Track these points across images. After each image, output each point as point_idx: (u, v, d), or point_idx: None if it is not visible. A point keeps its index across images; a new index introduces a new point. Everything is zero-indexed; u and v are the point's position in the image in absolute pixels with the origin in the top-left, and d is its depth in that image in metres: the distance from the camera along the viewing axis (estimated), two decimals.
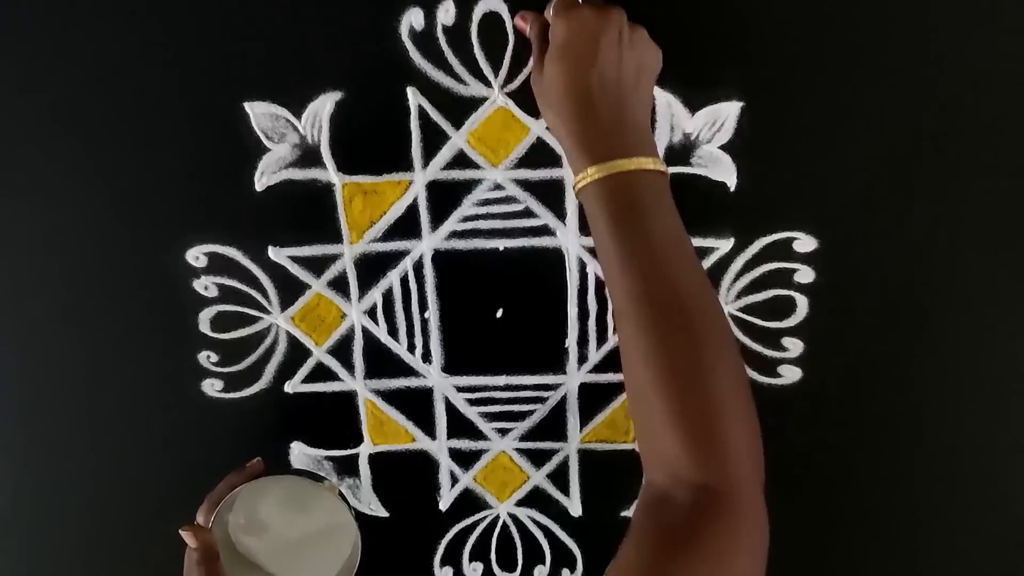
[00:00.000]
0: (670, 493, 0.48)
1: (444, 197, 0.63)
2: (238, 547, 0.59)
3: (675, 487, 0.48)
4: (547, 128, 0.60)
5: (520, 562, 0.72)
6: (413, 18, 0.59)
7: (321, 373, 0.68)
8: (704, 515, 0.46)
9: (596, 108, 0.51)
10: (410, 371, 0.68)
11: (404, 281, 0.66)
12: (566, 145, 0.53)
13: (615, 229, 0.50)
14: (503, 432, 0.69)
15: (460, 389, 0.68)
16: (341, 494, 0.60)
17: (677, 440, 0.47)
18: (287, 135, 0.62)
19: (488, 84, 0.61)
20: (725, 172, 0.61)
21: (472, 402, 0.69)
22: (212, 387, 0.69)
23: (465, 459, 0.70)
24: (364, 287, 0.66)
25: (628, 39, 0.53)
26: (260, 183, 0.63)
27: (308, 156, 0.63)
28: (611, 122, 0.51)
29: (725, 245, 0.63)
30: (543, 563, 0.72)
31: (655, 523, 0.48)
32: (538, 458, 0.70)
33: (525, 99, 0.60)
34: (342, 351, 0.68)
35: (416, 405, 0.69)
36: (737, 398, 0.48)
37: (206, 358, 0.68)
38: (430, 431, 0.69)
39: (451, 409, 0.69)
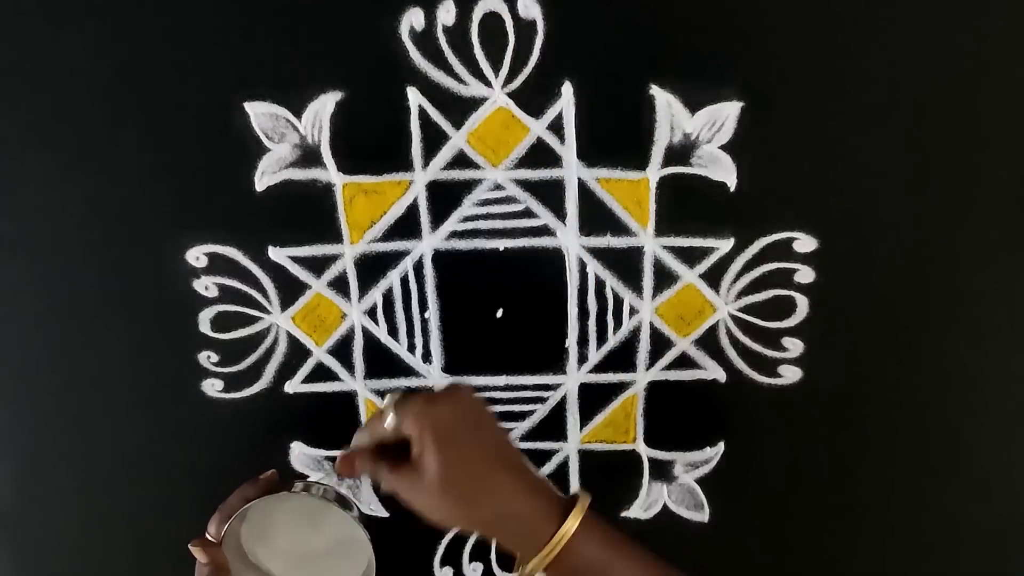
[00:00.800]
0: None
1: (444, 197, 0.64)
2: (250, 558, 0.59)
3: None
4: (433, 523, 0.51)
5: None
6: (413, 18, 0.59)
7: (321, 373, 0.68)
8: None
9: (510, 485, 0.48)
10: (410, 371, 0.68)
11: (404, 281, 0.66)
12: (492, 537, 0.50)
13: None
14: None
15: None
16: (359, 512, 0.59)
17: None
18: (287, 135, 0.62)
19: (488, 84, 0.61)
20: (725, 172, 0.61)
21: None
22: (212, 387, 0.69)
23: None
24: (364, 287, 0.66)
25: (479, 406, 0.51)
26: (260, 183, 0.63)
27: (308, 156, 0.63)
28: (527, 495, 0.48)
29: (725, 245, 0.63)
30: None
31: None
32: (538, 458, 0.70)
33: (525, 99, 0.61)
34: (342, 351, 0.68)
35: None
36: None
37: (206, 358, 0.68)
38: None
39: None
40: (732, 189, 0.62)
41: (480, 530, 0.50)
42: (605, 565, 0.49)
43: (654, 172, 0.62)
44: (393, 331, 0.67)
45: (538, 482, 0.50)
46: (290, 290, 0.66)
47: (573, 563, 0.48)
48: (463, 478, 0.48)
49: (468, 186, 0.63)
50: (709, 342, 0.66)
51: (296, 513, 0.59)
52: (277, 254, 0.65)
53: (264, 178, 0.63)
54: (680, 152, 0.61)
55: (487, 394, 0.68)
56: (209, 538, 0.56)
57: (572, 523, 0.48)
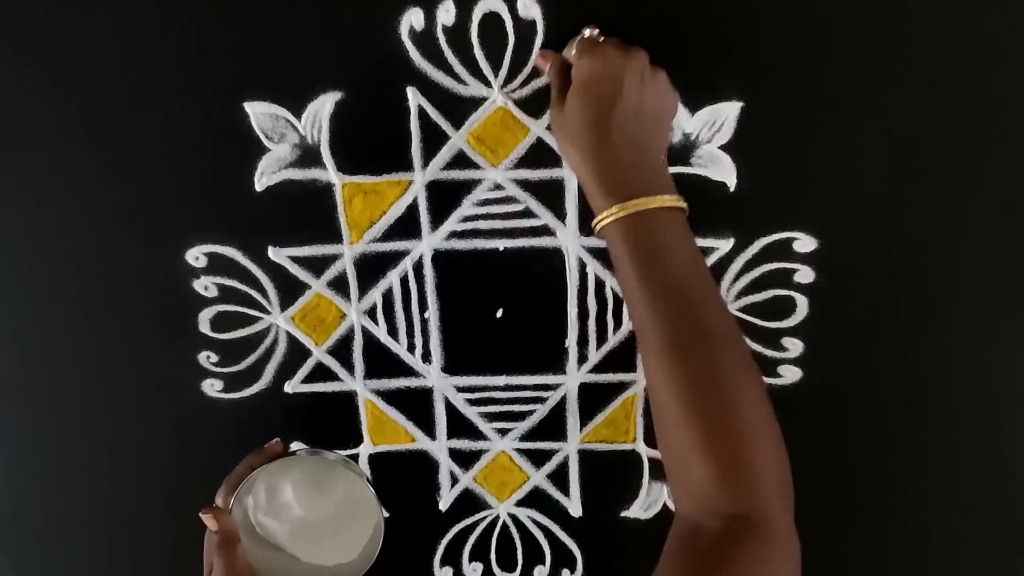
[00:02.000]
0: (702, 523, 0.48)
1: (444, 197, 0.63)
2: (258, 529, 0.59)
3: (707, 517, 0.48)
4: (568, 165, 0.60)
5: (520, 562, 0.72)
6: (413, 18, 0.59)
7: (321, 373, 0.68)
8: (737, 543, 0.46)
9: (617, 147, 0.52)
10: (410, 371, 0.68)
11: (404, 281, 0.66)
12: (587, 181, 0.53)
13: (639, 268, 0.51)
14: (503, 432, 0.69)
15: (460, 389, 0.68)
16: (365, 477, 0.59)
17: (707, 471, 0.48)
18: (287, 135, 0.62)
19: (488, 84, 0.61)
20: (725, 172, 0.61)
21: (472, 402, 0.69)
22: (212, 387, 0.69)
23: (465, 459, 0.70)
24: (364, 287, 0.66)
25: (651, 81, 0.54)
26: (260, 183, 0.63)
27: (308, 156, 0.63)
28: (632, 161, 0.52)
29: (725, 245, 0.63)
30: (543, 563, 0.72)
31: (688, 552, 0.48)
32: (538, 458, 0.70)
33: (525, 99, 0.61)
34: (342, 351, 0.68)
35: (416, 405, 0.69)
36: (764, 426, 0.49)
37: (206, 358, 0.68)
38: (430, 431, 0.69)
39: (451, 409, 0.69)
40: (732, 189, 0.61)
41: (585, 167, 0.53)
42: (685, 253, 0.51)
43: None
44: (393, 331, 0.67)
45: (655, 162, 0.54)
46: (290, 290, 0.66)
47: (653, 236, 0.50)
48: (587, 128, 0.52)
49: (468, 186, 0.63)
50: None
51: (302, 480, 0.59)
52: (277, 254, 0.65)
53: (264, 178, 0.63)
54: (680, 152, 0.61)
55: (487, 394, 0.68)
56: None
57: (676, 199, 0.52)
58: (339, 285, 0.66)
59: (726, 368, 0.49)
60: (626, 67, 0.53)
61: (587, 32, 0.57)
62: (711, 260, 0.63)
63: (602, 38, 0.56)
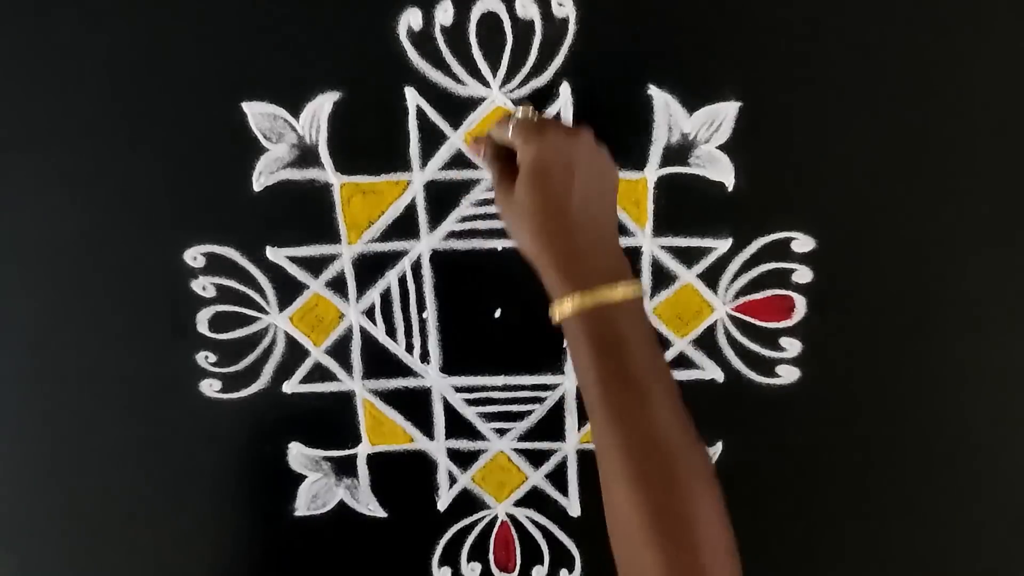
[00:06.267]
0: None
1: (442, 197, 0.64)
2: None
3: None
4: (522, 251, 0.54)
5: (519, 562, 0.72)
6: (411, 18, 0.59)
7: (319, 373, 0.68)
8: None
9: (576, 233, 0.50)
10: (408, 371, 0.68)
11: (402, 281, 0.66)
12: (546, 269, 0.51)
13: (596, 356, 0.49)
14: (501, 432, 0.69)
15: (458, 389, 0.68)
16: None
17: (658, 572, 0.46)
18: (285, 135, 0.62)
19: (486, 84, 0.61)
20: (723, 172, 0.61)
21: (470, 402, 0.69)
22: (210, 387, 0.69)
23: (463, 459, 0.70)
24: (362, 287, 0.66)
25: (598, 159, 0.53)
26: (258, 183, 0.63)
27: (306, 156, 0.63)
28: (591, 246, 0.50)
29: (723, 245, 0.63)
30: (542, 563, 0.72)
31: None
32: (536, 458, 0.70)
33: (523, 99, 0.61)
34: (340, 351, 0.68)
35: (414, 405, 0.69)
36: (719, 535, 0.48)
37: (204, 358, 0.68)
38: (428, 431, 0.69)
39: (449, 409, 0.69)
40: (730, 189, 0.62)
41: (545, 257, 0.51)
42: (645, 348, 0.49)
43: (652, 172, 0.62)
44: (391, 331, 0.67)
45: (612, 245, 0.52)
46: (288, 290, 0.66)
47: (614, 330, 0.48)
48: (544, 216, 0.50)
49: (466, 186, 0.63)
50: (707, 342, 0.66)
51: None
52: (275, 254, 0.65)
53: (262, 178, 0.63)
54: (678, 152, 0.61)
55: (485, 394, 0.68)
56: None
57: (637, 286, 0.50)
58: (337, 285, 0.66)
59: (682, 468, 0.48)
60: (575, 150, 0.51)
61: (521, 113, 0.54)
62: (709, 260, 0.63)
63: (537, 117, 0.54)
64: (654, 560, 0.46)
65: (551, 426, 0.69)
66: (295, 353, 0.68)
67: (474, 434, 0.69)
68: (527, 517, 0.71)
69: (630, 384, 0.49)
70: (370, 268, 0.65)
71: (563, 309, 0.49)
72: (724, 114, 0.60)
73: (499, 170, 0.54)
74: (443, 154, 0.62)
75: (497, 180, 0.54)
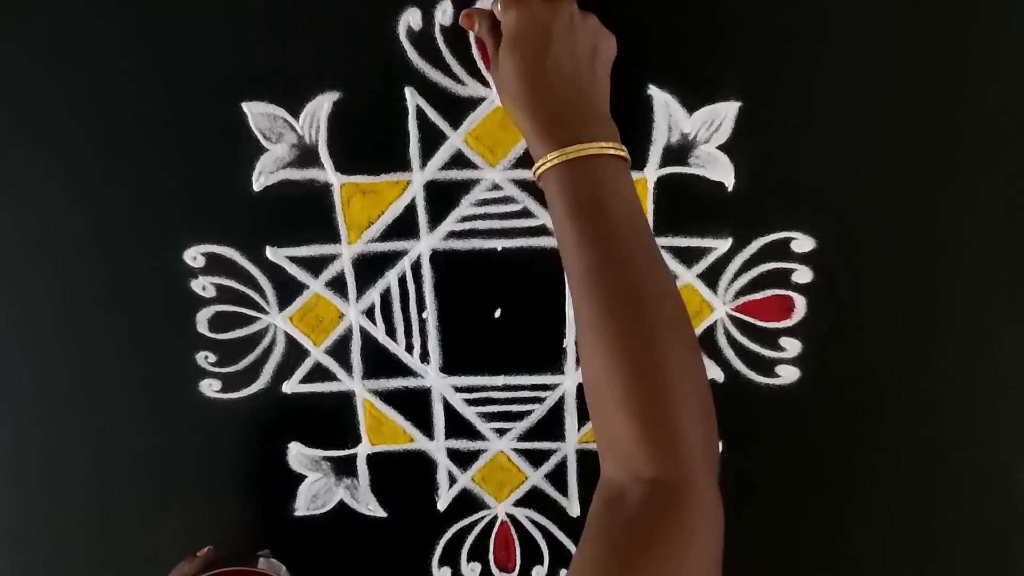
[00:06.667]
0: (625, 489, 0.47)
1: (442, 197, 0.63)
2: None
3: (630, 482, 0.47)
4: (513, 122, 0.58)
5: (519, 562, 0.72)
6: (411, 18, 0.59)
7: (319, 373, 0.68)
8: (658, 514, 0.45)
9: (553, 95, 0.51)
10: (408, 371, 0.68)
11: (402, 281, 0.66)
12: (527, 132, 0.53)
13: (573, 214, 0.49)
14: (501, 432, 0.69)
15: (458, 389, 0.68)
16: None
17: (631, 431, 0.46)
18: (285, 135, 0.62)
19: (486, 84, 0.61)
20: (723, 172, 0.61)
21: (470, 402, 0.69)
22: (210, 387, 0.69)
23: (463, 459, 0.70)
24: (362, 287, 0.66)
25: (580, 26, 0.53)
26: (258, 183, 0.63)
27: (306, 156, 0.63)
28: (569, 108, 0.51)
29: (723, 245, 0.63)
30: (541, 563, 0.72)
31: (610, 521, 0.47)
32: (536, 458, 0.70)
33: None
34: (340, 351, 0.68)
35: (414, 405, 0.69)
36: (691, 388, 0.48)
37: (204, 358, 0.68)
38: (428, 431, 0.69)
39: (449, 409, 0.69)
40: (730, 189, 0.62)
41: (525, 119, 0.52)
42: (622, 204, 0.50)
43: (652, 172, 0.62)
44: (391, 331, 0.67)
45: (593, 108, 0.52)
46: (288, 290, 0.66)
47: (589, 183, 0.49)
48: (520, 80, 0.52)
49: (466, 186, 0.63)
50: (707, 342, 0.66)
51: None
52: (275, 254, 0.65)
53: (262, 178, 0.63)
54: (678, 152, 0.61)
55: (485, 394, 0.68)
56: None
57: (615, 146, 0.50)
58: (337, 285, 0.66)
59: (655, 323, 0.48)
60: (553, 15, 0.52)
61: None
62: (709, 260, 0.63)
63: None
64: (628, 423, 0.46)
65: (551, 426, 0.69)
66: (295, 353, 0.68)
67: (474, 434, 0.69)
68: (527, 517, 0.71)
69: (604, 239, 0.49)
70: (370, 268, 0.65)
71: (539, 164, 0.50)
72: (724, 114, 0.60)
73: (492, 43, 0.56)
74: (443, 154, 0.62)
75: (491, 53, 0.56)
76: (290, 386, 0.69)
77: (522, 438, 0.69)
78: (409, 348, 0.68)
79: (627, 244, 0.49)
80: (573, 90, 0.52)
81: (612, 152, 0.50)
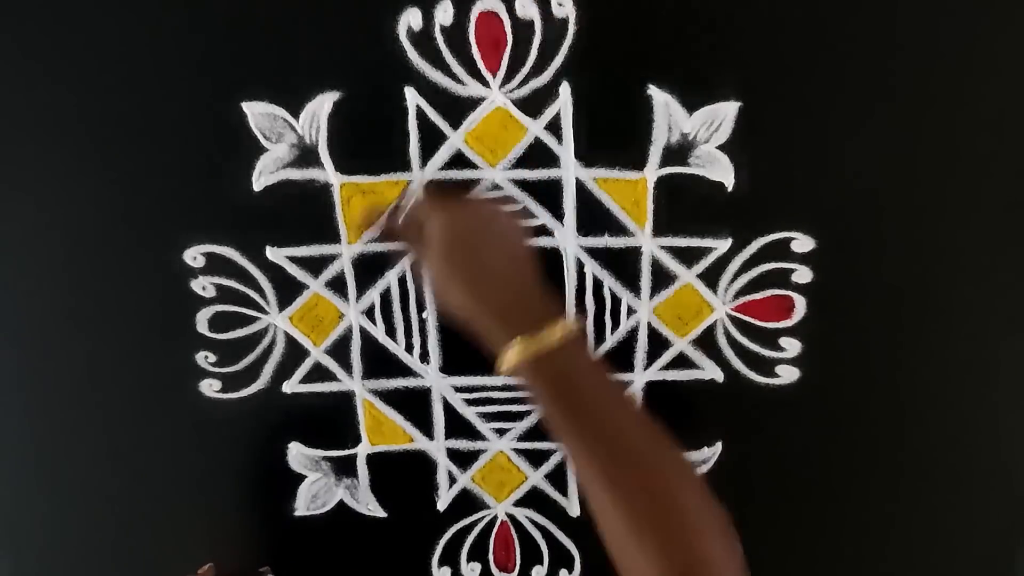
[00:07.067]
0: None
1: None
2: None
3: None
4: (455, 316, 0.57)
5: (518, 562, 0.72)
6: (411, 18, 0.59)
7: (319, 373, 0.68)
8: None
9: (499, 290, 0.53)
10: (408, 371, 0.68)
11: (402, 281, 0.66)
12: (485, 327, 0.54)
13: (556, 401, 0.51)
14: (501, 432, 0.69)
15: (458, 389, 0.68)
16: None
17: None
18: (285, 135, 0.62)
19: (486, 84, 0.61)
20: (723, 172, 0.61)
21: (470, 402, 0.69)
22: (210, 387, 0.69)
23: (463, 459, 0.70)
24: (362, 287, 0.66)
25: (499, 217, 0.56)
26: (258, 183, 0.63)
27: (306, 156, 0.63)
28: (517, 299, 0.53)
29: (723, 245, 0.63)
30: (541, 563, 0.72)
31: None
32: (536, 458, 0.70)
33: (523, 99, 0.61)
34: (340, 351, 0.68)
35: (414, 405, 0.69)
36: (710, 522, 0.49)
37: (204, 358, 0.68)
38: (428, 431, 0.69)
39: (449, 409, 0.69)
40: (730, 189, 0.62)
41: (481, 315, 0.54)
42: (592, 383, 0.51)
43: (652, 172, 0.62)
44: (391, 331, 0.67)
45: (535, 292, 0.54)
46: (288, 290, 0.66)
47: (561, 360, 0.51)
48: (465, 281, 0.54)
49: (466, 186, 0.63)
50: (707, 342, 0.66)
51: None
52: (275, 254, 0.65)
53: (262, 178, 0.63)
54: (678, 152, 0.61)
55: (485, 394, 0.68)
56: None
57: (571, 324, 0.52)
58: (337, 285, 0.66)
59: (662, 483, 0.49)
60: (474, 216, 0.56)
61: (407, 200, 0.60)
62: (709, 260, 0.63)
63: (422, 195, 0.60)
64: (645, 560, 0.47)
65: None
66: (295, 353, 0.68)
67: (474, 434, 0.69)
68: (527, 517, 0.71)
69: (590, 412, 0.50)
70: (370, 268, 0.65)
71: (508, 358, 0.52)
72: (724, 114, 0.60)
73: (417, 247, 0.58)
74: (443, 154, 0.62)
75: (417, 252, 0.58)
76: (290, 386, 0.69)
77: (522, 438, 0.69)
78: (409, 348, 0.67)
79: (610, 408, 0.51)
80: (513, 281, 0.54)
81: (570, 330, 0.52)
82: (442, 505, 0.71)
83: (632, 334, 0.66)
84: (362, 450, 0.70)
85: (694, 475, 0.51)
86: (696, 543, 0.47)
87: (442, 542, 0.72)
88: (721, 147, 0.61)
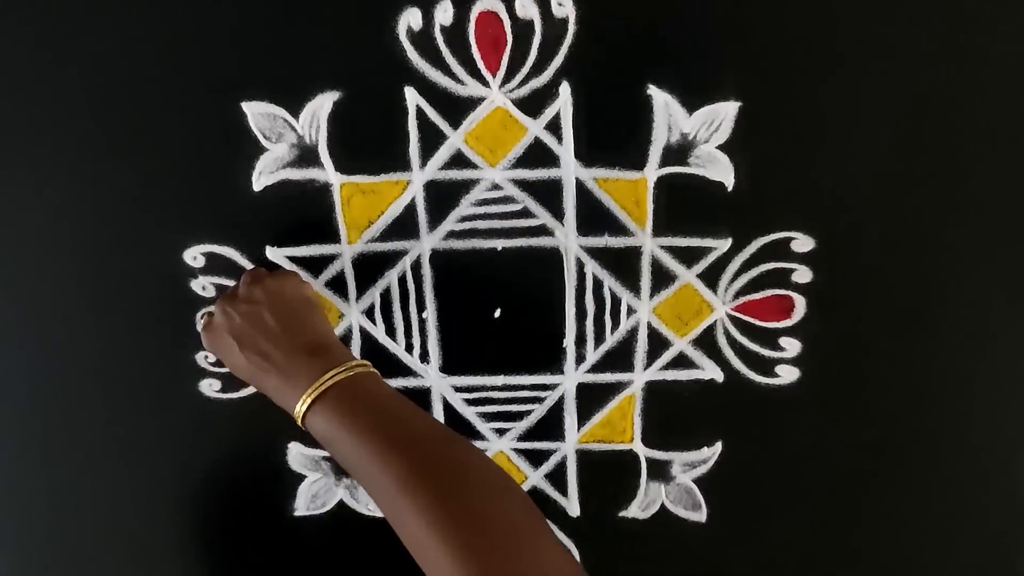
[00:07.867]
0: None
1: (442, 197, 0.63)
2: None
3: None
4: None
5: None
6: (411, 18, 0.59)
7: None
8: None
9: (274, 361, 0.56)
10: (408, 371, 0.68)
11: (402, 281, 0.66)
12: (272, 391, 0.57)
13: (345, 445, 0.51)
14: (501, 432, 0.69)
15: (458, 389, 0.68)
16: None
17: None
18: (285, 135, 0.62)
19: (486, 84, 0.61)
20: (723, 172, 0.61)
21: (470, 402, 0.69)
22: (210, 387, 0.69)
23: None
24: (362, 287, 0.66)
25: (268, 292, 0.59)
26: (258, 183, 0.63)
27: (306, 156, 0.63)
28: (292, 360, 0.56)
29: (723, 245, 0.63)
30: None
31: None
32: (536, 458, 0.70)
33: (523, 99, 0.61)
34: None
35: None
36: (528, 525, 0.47)
37: (204, 358, 0.68)
38: None
39: (449, 409, 0.69)
40: (730, 189, 0.62)
41: (264, 382, 0.58)
42: (380, 409, 0.53)
43: (652, 172, 0.62)
44: (391, 331, 0.67)
45: (315, 346, 0.57)
46: None
47: (346, 401, 0.53)
48: (246, 370, 0.58)
49: (466, 186, 0.63)
50: (707, 342, 0.66)
51: None
52: (275, 254, 0.65)
53: (262, 178, 0.63)
54: (678, 152, 0.61)
55: (484, 394, 0.68)
56: None
57: (350, 368, 0.54)
58: (337, 285, 0.66)
59: (461, 479, 0.48)
60: (234, 308, 0.59)
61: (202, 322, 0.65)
62: (709, 260, 0.63)
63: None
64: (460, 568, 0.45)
65: (551, 426, 0.69)
66: None
67: (473, 434, 0.69)
68: None
69: (401, 438, 0.50)
70: (370, 268, 0.65)
71: (300, 412, 0.54)
72: (724, 114, 0.60)
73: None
74: (443, 154, 0.62)
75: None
76: None
77: (522, 438, 0.69)
78: (409, 348, 0.67)
79: (420, 431, 0.52)
80: (288, 345, 0.56)
81: (359, 370, 0.55)
82: None
83: (632, 334, 0.66)
84: None
85: (514, 488, 0.50)
86: (503, 547, 0.45)
87: None
88: (721, 147, 0.61)
